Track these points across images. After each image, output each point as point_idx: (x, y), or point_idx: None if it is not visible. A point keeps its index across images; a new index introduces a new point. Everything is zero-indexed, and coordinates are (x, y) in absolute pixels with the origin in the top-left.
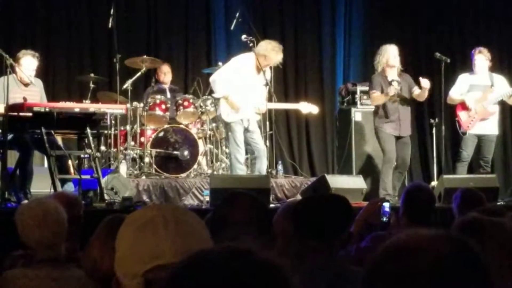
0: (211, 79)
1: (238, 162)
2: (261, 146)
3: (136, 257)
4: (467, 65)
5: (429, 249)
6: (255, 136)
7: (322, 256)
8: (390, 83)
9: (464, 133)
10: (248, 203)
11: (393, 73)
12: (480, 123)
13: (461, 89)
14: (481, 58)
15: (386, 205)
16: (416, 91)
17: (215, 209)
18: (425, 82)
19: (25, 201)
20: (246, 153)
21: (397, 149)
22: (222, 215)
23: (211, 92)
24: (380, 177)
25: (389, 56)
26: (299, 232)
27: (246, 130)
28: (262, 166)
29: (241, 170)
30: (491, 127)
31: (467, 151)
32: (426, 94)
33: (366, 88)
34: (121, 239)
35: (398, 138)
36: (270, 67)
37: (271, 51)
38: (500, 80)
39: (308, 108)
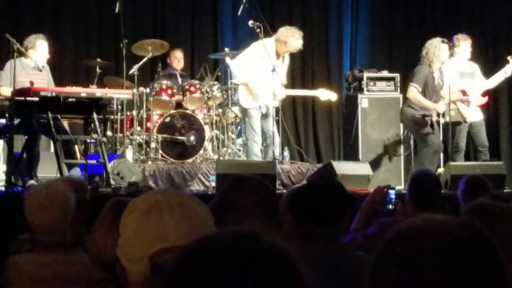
0: (230, 65)
1: (253, 149)
2: (275, 134)
3: (141, 241)
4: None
5: (442, 232)
6: (268, 124)
7: (323, 241)
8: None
9: (466, 121)
10: (254, 187)
11: (436, 69)
12: (473, 110)
13: (453, 77)
14: (468, 45)
15: (392, 192)
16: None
17: (221, 193)
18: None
19: (33, 183)
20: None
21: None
22: (228, 199)
23: (231, 77)
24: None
25: (442, 53)
26: (296, 218)
27: (262, 116)
28: (274, 155)
29: (257, 156)
30: (477, 113)
31: (463, 141)
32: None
33: (373, 75)
34: (125, 224)
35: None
36: (289, 53)
37: (291, 37)
38: (476, 67)
39: (326, 95)
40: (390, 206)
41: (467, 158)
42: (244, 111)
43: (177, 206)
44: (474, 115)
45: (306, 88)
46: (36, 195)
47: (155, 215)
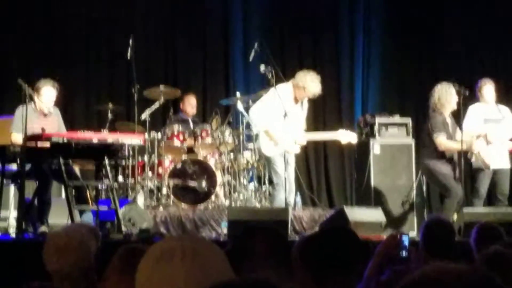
0: (250, 112)
1: (281, 194)
2: (292, 180)
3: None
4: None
5: (455, 282)
6: (290, 170)
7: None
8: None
9: (488, 168)
10: (267, 235)
11: (448, 114)
12: (495, 157)
13: (476, 122)
14: (491, 89)
15: (406, 239)
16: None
17: (233, 241)
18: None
19: (44, 229)
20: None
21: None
22: (241, 247)
23: (249, 125)
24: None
25: (453, 98)
26: (309, 266)
27: (285, 162)
28: (289, 200)
29: (281, 201)
30: (505, 161)
31: (484, 186)
32: None
33: (385, 120)
34: (140, 270)
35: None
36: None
37: (310, 83)
38: (507, 111)
39: (346, 136)
40: (404, 253)
41: (484, 204)
42: (267, 159)
43: (190, 253)
44: (499, 162)
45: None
46: (57, 239)
47: (167, 262)
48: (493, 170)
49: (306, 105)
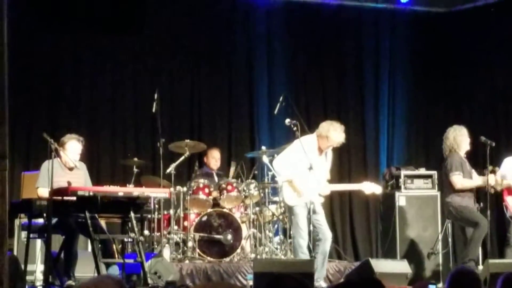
0: (273, 162)
1: (300, 247)
2: (325, 228)
3: None
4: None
5: None
6: (319, 218)
7: None
8: (489, 171)
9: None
10: (294, 286)
11: (462, 154)
12: None
13: (504, 172)
14: None
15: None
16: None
17: None
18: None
19: (71, 283)
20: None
21: None
22: None
23: (274, 178)
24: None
25: (464, 138)
26: None
27: (311, 212)
28: (325, 249)
29: (304, 254)
30: None
31: None
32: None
33: (410, 172)
34: None
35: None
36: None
37: (333, 132)
38: None
39: (371, 188)
40: None
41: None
42: (289, 209)
43: None
44: None
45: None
46: None
47: None
48: None
49: (330, 155)
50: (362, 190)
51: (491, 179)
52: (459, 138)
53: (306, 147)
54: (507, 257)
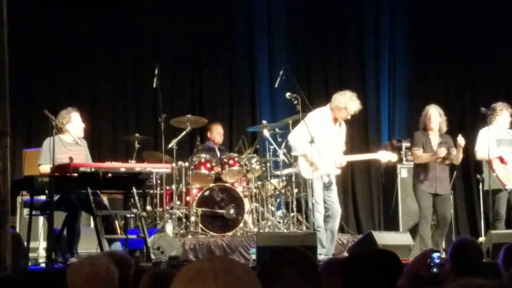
0: (289, 137)
1: (315, 220)
2: (336, 205)
3: None
4: None
5: None
6: (331, 195)
7: None
8: (439, 145)
9: (506, 189)
10: (296, 258)
11: (434, 133)
12: (509, 177)
13: (487, 145)
14: (507, 114)
15: (436, 255)
16: (453, 152)
17: (263, 264)
18: (461, 140)
19: (74, 260)
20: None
21: (436, 206)
22: (271, 270)
23: (289, 150)
24: (418, 234)
25: (429, 117)
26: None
27: (324, 186)
28: (334, 226)
29: (320, 227)
30: None
31: (503, 209)
32: (460, 155)
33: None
34: None
35: (435, 195)
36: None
37: (350, 101)
38: None
39: (387, 156)
40: (435, 270)
41: (507, 225)
42: (305, 182)
43: (223, 273)
44: None
45: None
46: (80, 269)
47: (200, 282)
48: (508, 191)
49: (344, 127)
50: (378, 158)
51: (441, 151)
52: (420, 121)
53: (321, 120)
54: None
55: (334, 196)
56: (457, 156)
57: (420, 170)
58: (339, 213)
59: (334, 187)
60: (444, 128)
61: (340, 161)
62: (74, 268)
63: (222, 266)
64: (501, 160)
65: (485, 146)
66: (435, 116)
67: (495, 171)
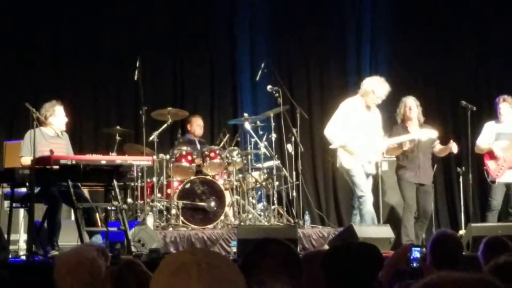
0: (325, 131)
1: (367, 205)
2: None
3: None
4: (493, 113)
5: None
6: (368, 183)
7: None
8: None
9: (493, 182)
10: (277, 249)
11: (413, 125)
12: (508, 171)
13: (488, 137)
14: (506, 107)
15: (416, 250)
16: (437, 146)
17: (245, 255)
18: (454, 148)
19: (56, 253)
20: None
21: (418, 198)
22: (253, 262)
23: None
24: (402, 224)
25: (406, 108)
26: (329, 281)
27: (365, 175)
28: (368, 209)
29: (370, 212)
30: None
31: (497, 200)
32: (446, 153)
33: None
34: (154, 284)
35: (419, 185)
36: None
37: (377, 85)
38: None
39: (427, 134)
40: (415, 264)
41: (498, 219)
42: (348, 172)
43: (206, 266)
44: (510, 176)
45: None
46: (66, 259)
47: (184, 276)
48: (505, 185)
49: (378, 112)
50: (419, 138)
51: (406, 144)
52: (397, 113)
53: (354, 108)
54: (489, 221)
55: (368, 186)
56: (443, 152)
57: (404, 161)
58: (371, 200)
59: (370, 179)
60: (422, 119)
61: (380, 147)
62: (61, 257)
63: (205, 259)
64: (491, 154)
65: (484, 139)
66: (414, 106)
67: (486, 164)
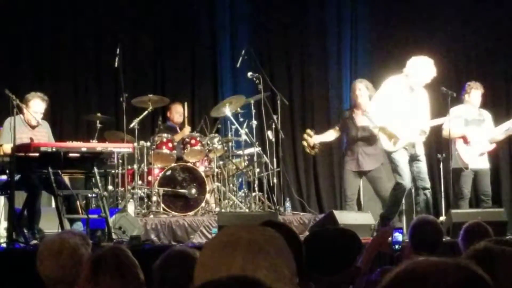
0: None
1: (402, 194)
2: (424, 182)
3: (206, 273)
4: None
5: (438, 277)
6: (420, 165)
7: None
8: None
9: (466, 168)
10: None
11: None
12: (477, 157)
13: (458, 123)
14: (478, 93)
15: (399, 234)
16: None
17: None
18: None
19: (36, 239)
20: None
21: (371, 184)
22: None
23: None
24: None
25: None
26: (308, 266)
27: (411, 159)
28: (426, 199)
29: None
30: (484, 161)
31: (467, 187)
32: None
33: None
34: (202, 253)
35: (363, 173)
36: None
37: (422, 66)
38: (487, 115)
39: None
40: (397, 246)
41: (469, 205)
42: (389, 156)
43: (256, 245)
44: (479, 162)
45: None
46: (50, 243)
47: (228, 251)
48: (473, 171)
49: (424, 92)
50: None
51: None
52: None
53: (397, 87)
54: (461, 209)
55: (422, 167)
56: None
57: (346, 150)
58: (429, 185)
59: (423, 157)
60: None
61: (424, 127)
62: (45, 241)
63: (254, 238)
64: (465, 140)
65: (452, 124)
66: (363, 90)
67: (458, 150)
